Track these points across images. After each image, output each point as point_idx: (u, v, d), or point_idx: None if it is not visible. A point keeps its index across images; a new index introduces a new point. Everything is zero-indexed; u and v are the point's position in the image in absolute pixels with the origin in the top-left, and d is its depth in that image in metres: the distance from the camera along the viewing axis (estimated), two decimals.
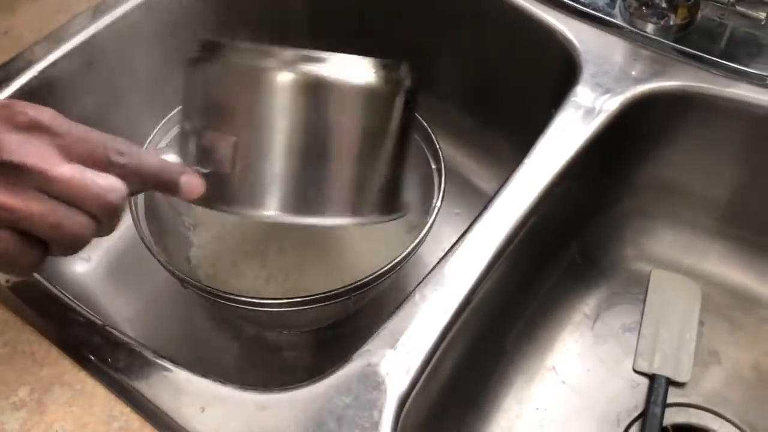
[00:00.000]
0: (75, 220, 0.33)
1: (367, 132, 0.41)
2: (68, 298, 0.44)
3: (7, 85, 0.55)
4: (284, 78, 0.38)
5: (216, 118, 0.40)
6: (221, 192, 0.39)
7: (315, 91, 0.39)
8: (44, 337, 0.42)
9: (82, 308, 0.43)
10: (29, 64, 0.56)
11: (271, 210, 0.40)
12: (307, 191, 0.40)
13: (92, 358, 0.41)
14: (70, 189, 0.32)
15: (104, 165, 0.34)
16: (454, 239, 0.47)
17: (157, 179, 0.37)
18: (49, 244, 0.34)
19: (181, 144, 0.42)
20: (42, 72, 0.56)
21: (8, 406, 0.39)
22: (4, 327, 0.42)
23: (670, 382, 0.58)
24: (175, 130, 0.58)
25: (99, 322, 0.43)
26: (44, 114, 0.33)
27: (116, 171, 0.34)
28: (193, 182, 0.38)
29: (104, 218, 0.34)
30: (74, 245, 0.34)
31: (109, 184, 0.34)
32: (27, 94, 0.55)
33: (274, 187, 0.39)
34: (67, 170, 0.32)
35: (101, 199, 0.33)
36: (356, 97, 0.40)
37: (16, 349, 0.41)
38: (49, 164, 0.32)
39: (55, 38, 0.58)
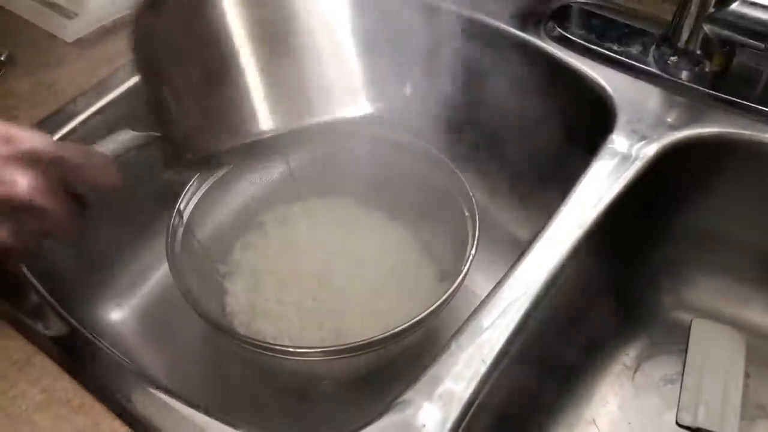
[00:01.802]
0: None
1: (338, 27, 0.39)
2: (105, 345, 0.44)
3: (51, 136, 0.56)
4: None
5: (170, 68, 0.40)
6: (206, 136, 0.39)
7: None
8: (81, 385, 0.42)
9: (118, 356, 0.44)
10: (73, 116, 0.58)
11: (263, 127, 0.38)
12: (294, 96, 0.38)
13: (128, 407, 0.41)
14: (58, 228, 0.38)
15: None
16: (487, 288, 0.47)
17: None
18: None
19: (148, 118, 0.42)
20: (83, 123, 0.58)
21: None
22: (40, 374, 0.42)
23: None
24: (212, 182, 0.59)
25: (134, 370, 0.43)
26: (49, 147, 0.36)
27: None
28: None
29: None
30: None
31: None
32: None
33: (257, 105, 0.38)
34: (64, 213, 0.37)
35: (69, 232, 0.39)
36: None
37: (52, 397, 0.41)
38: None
39: (96, 91, 0.60)
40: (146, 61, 0.41)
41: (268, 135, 0.38)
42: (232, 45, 0.38)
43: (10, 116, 0.58)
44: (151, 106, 0.41)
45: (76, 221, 0.39)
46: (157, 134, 0.41)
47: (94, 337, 0.45)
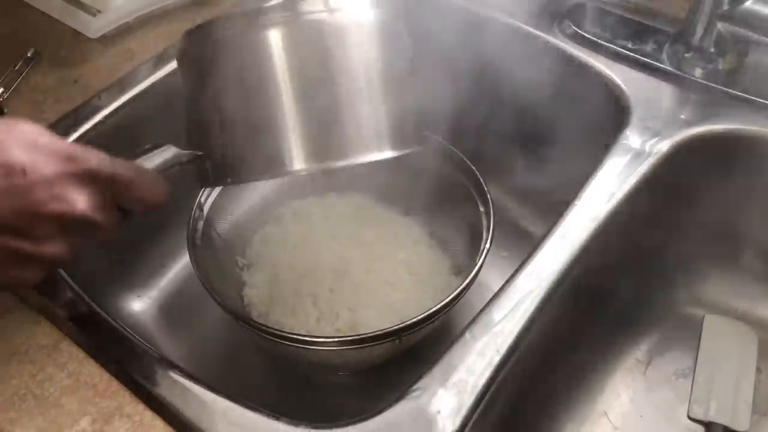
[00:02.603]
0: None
1: (369, 66, 0.42)
2: (129, 332, 0.45)
3: (75, 130, 0.58)
4: (276, 29, 0.40)
5: (216, 95, 0.42)
6: (247, 163, 0.42)
7: (311, 32, 0.40)
8: (105, 370, 0.43)
9: (142, 342, 0.45)
10: (96, 110, 0.59)
11: (297, 165, 0.41)
12: (327, 135, 0.41)
13: (151, 391, 0.42)
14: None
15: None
16: (500, 282, 0.48)
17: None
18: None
19: (191, 136, 0.44)
20: (107, 117, 0.60)
21: None
22: (68, 359, 0.44)
23: (728, 431, 0.57)
24: None
25: (157, 356, 0.44)
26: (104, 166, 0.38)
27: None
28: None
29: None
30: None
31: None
32: (94, 137, 0.58)
33: (294, 141, 0.41)
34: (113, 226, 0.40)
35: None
36: (355, 32, 0.41)
37: (79, 381, 0.43)
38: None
39: (120, 86, 0.62)
40: (193, 83, 0.44)
41: (301, 173, 0.41)
42: (275, 85, 0.40)
43: (37, 110, 0.60)
44: (195, 126, 0.44)
45: (119, 229, 0.41)
46: (199, 153, 0.43)
47: (118, 324, 0.46)
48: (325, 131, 0.41)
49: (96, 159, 0.37)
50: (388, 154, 0.43)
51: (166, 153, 0.43)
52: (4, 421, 0.41)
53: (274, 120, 0.41)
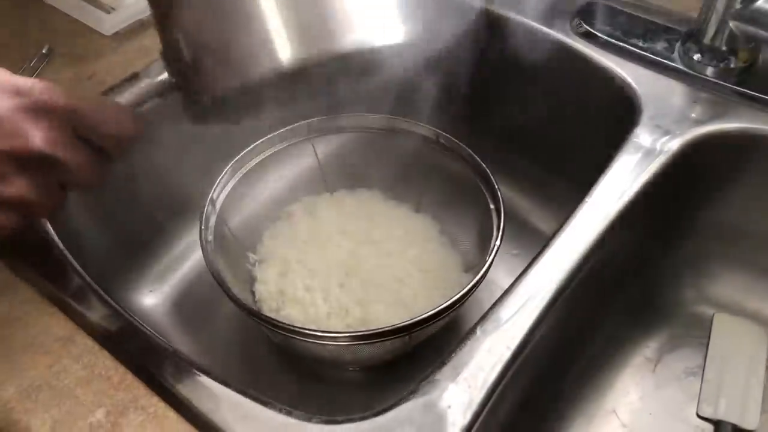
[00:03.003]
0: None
1: None
2: (143, 326, 0.46)
3: None
4: None
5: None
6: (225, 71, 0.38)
7: None
8: (120, 362, 0.44)
9: (156, 336, 0.45)
10: None
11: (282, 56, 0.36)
12: (313, 25, 0.37)
13: (165, 383, 0.42)
14: (78, 179, 0.38)
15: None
16: (510, 280, 0.48)
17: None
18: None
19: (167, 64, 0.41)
20: None
21: (86, 426, 0.41)
22: (82, 351, 0.44)
23: (737, 430, 0.57)
24: (243, 172, 0.61)
25: (171, 349, 0.44)
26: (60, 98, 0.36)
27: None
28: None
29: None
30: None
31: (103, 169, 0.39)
32: None
33: (276, 35, 0.36)
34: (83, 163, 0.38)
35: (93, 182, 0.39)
36: None
37: (93, 373, 0.43)
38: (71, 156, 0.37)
39: (133, 82, 0.62)
40: (161, 10, 0.41)
41: (287, 67, 0.36)
42: None
43: None
44: (167, 54, 0.41)
45: (98, 172, 0.39)
46: (172, 79, 0.40)
47: (133, 317, 0.46)
48: (312, 21, 0.36)
49: (49, 91, 0.36)
50: (394, 38, 0.38)
51: (137, 85, 0.40)
52: (20, 411, 0.41)
53: (246, 16, 0.36)
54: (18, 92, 0.35)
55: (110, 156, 0.40)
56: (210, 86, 0.38)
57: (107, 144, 0.39)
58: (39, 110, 0.35)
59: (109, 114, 0.38)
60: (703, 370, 0.60)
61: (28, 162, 0.35)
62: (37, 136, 0.35)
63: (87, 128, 0.37)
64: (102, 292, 0.48)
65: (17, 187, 0.35)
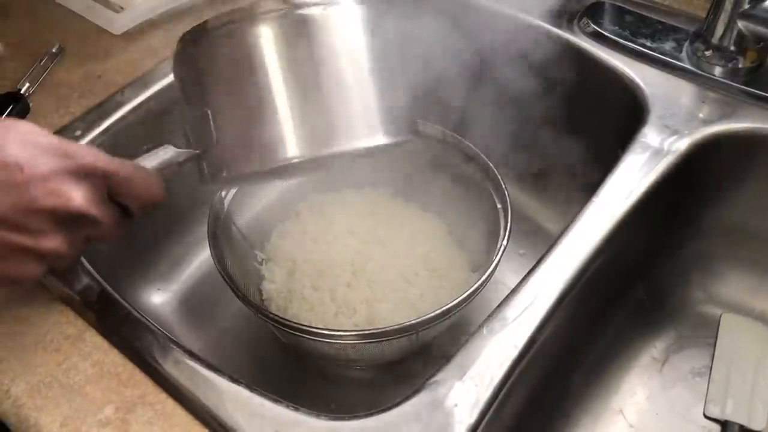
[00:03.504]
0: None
1: (359, 59, 0.43)
2: (152, 324, 0.46)
3: (99, 125, 0.59)
4: (269, 24, 0.41)
5: (210, 91, 0.43)
6: (240, 156, 0.43)
7: (303, 26, 0.42)
8: (128, 360, 0.44)
9: (164, 333, 0.46)
10: (120, 105, 0.60)
11: (290, 153, 0.42)
12: (319, 125, 0.42)
13: (173, 380, 0.43)
14: (107, 236, 0.42)
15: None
16: (517, 279, 0.48)
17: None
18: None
19: (188, 136, 0.45)
20: (130, 112, 0.61)
21: (95, 422, 0.41)
22: (92, 349, 0.45)
23: (744, 430, 0.57)
24: None
25: (179, 347, 0.45)
26: (98, 161, 0.39)
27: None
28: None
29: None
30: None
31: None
32: (117, 132, 0.59)
33: (286, 131, 0.42)
34: (113, 222, 0.42)
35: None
36: (345, 27, 0.43)
37: (102, 370, 0.44)
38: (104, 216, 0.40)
39: (143, 82, 0.63)
40: (190, 83, 0.45)
41: (295, 160, 0.42)
42: (267, 78, 0.42)
43: (62, 105, 0.61)
44: (192, 125, 0.45)
45: (123, 229, 0.42)
46: (196, 152, 0.44)
47: (141, 315, 0.47)
48: (318, 121, 0.42)
49: (91, 155, 0.39)
50: (379, 140, 0.44)
51: (164, 153, 0.44)
52: (31, 407, 0.42)
53: (265, 112, 0.42)
54: (65, 155, 0.38)
55: (134, 215, 0.43)
56: (229, 164, 0.43)
57: (134, 206, 0.42)
58: (81, 172, 0.38)
59: (141, 179, 0.42)
60: (711, 371, 0.60)
61: (66, 219, 0.38)
62: (78, 197, 0.38)
63: (121, 191, 0.41)
64: (111, 291, 0.48)
65: (53, 241, 0.38)
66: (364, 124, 0.43)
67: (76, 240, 0.40)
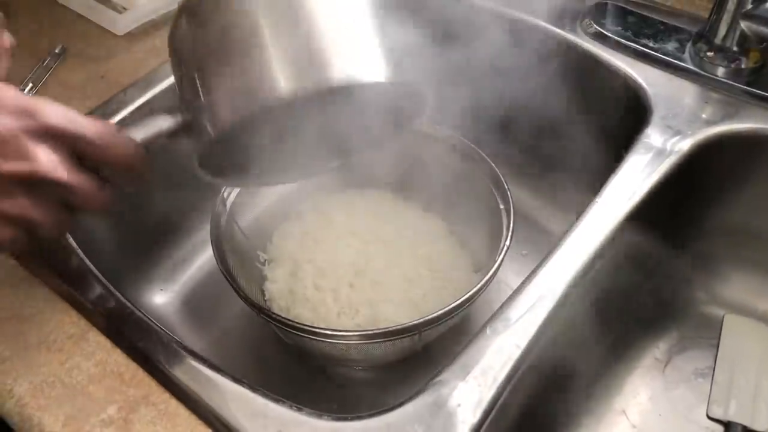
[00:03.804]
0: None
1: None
2: (155, 323, 0.46)
3: None
4: None
5: (201, 56, 0.40)
6: (229, 104, 0.39)
7: None
8: (131, 359, 0.44)
9: (167, 333, 0.46)
10: (123, 106, 0.61)
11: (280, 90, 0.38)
12: (312, 60, 0.39)
13: (176, 380, 0.43)
14: (84, 202, 0.37)
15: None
16: (519, 280, 0.48)
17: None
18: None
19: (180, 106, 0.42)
20: (134, 112, 0.61)
21: (98, 422, 0.41)
22: (95, 348, 0.45)
23: (747, 431, 0.56)
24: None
25: (182, 346, 0.45)
26: (63, 122, 0.35)
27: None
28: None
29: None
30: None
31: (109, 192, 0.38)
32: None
33: (277, 69, 0.38)
34: (87, 186, 0.37)
35: (102, 205, 0.38)
36: None
37: (105, 370, 0.44)
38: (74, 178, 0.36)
39: (146, 82, 0.63)
40: (183, 58, 0.42)
41: (285, 97, 0.38)
42: (253, 25, 0.39)
43: (65, 104, 0.61)
44: (182, 94, 0.42)
45: (102, 197, 0.38)
46: (187, 117, 0.42)
47: (144, 315, 0.47)
48: (307, 59, 0.39)
49: (58, 114, 0.35)
50: (379, 77, 0.40)
51: (152, 122, 0.41)
52: (34, 407, 0.42)
53: (251, 54, 0.39)
54: (30, 113, 0.35)
55: (115, 184, 0.39)
56: (217, 123, 0.40)
57: (111, 172, 0.39)
58: (48, 133, 0.35)
59: (115, 143, 0.38)
60: (714, 372, 0.60)
61: (32, 184, 0.35)
62: (42, 159, 0.35)
63: (90, 154, 0.37)
64: (114, 290, 0.48)
65: (20, 205, 0.36)
66: (362, 60, 0.40)
67: (50, 206, 0.37)
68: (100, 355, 0.44)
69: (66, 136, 0.36)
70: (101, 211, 0.39)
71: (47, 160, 0.35)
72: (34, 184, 0.35)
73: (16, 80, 0.63)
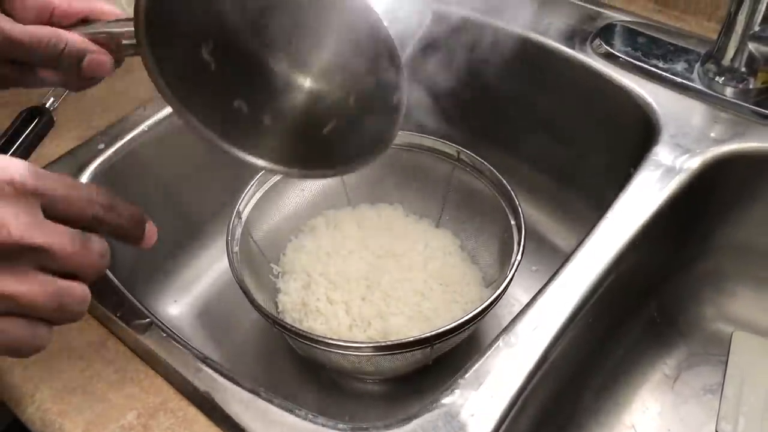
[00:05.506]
0: (75, 294, 0.33)
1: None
2: (172, 333, 0.47)
3: (122, 138, 0.60)
4: None
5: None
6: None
7: None
8: (150, 367, 0.45)
9: (186, 342, 0.46)
10: (142, 120, 0.62)
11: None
12: None
13: (194, 388, 0.44)
14: (73, 264, 0.33)
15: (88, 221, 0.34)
16: (529, 296, 0.48)
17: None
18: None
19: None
20: (152, 126, 0.62)
21: (118, 428, 0.42)
22: (115, 356, 0.46)
23: None
24: (268, 186, 0.62)
25: (200, 356, 0.46)
26: (28, 178, 0.31)
27: (99, 226, 0.34)
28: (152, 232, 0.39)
29: (94, 280, 0.34)
30: (77, 317, 0.34)
31: (102, 248, 0.34)
32: (139, 146, 0.61)
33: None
34: (68, 244, 0.32)
35: (97, 267, 0.34)
36: None
37: (125, 377, 0.44)
38: (52, 239, 0.32)
39: None
40: None
41: None
42: None
43: (86, 119, 0.62)
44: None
45: (91, 254, 0.34)
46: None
47: (163, 324, 0.47)
48: None
49: (18, 169, 0.31)
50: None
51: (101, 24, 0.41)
52: (55, 413, 0.43)
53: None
54: None
55: (97, 237, 0.35)
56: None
57: (86, 225, 0.34)
58: (7, 191, 0.31)
59: (80, 196, 0.34)
60: (722, 388, 0.61)
61: (9, 254, 0.31)
62: (9, 225, 0.30)
63: (58, 212, 0.33)
64: (134, 300, 0.49)
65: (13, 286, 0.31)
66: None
67: (35, 278, 0.32)
68: (119, 362, 0.45)
69: (26, 192, 0.31)
70: (101, 272, 0.35)
71: (15, 224, 0.30)
72: (11, 253, 0.31)
73: (39, 94, 0.64)
